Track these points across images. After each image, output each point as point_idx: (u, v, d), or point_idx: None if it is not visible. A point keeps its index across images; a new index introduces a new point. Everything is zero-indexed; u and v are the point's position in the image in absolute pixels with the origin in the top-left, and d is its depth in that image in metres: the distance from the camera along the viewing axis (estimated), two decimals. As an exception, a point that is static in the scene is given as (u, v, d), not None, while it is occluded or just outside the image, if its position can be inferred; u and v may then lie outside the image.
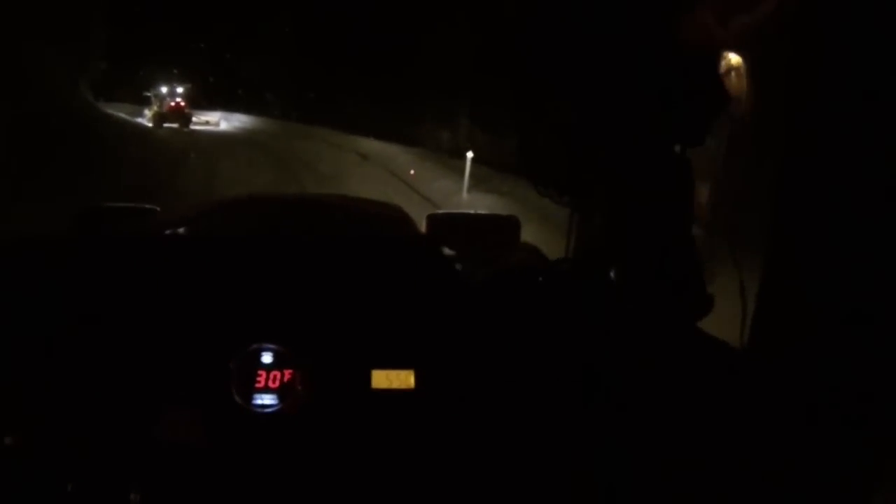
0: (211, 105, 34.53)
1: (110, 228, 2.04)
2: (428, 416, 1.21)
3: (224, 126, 31.58)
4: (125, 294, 1.31)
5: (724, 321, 1.46)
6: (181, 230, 1.93)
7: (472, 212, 2.15)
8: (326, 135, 23.67)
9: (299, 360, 1.21)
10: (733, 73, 2.47)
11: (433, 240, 1.95)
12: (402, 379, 1.20)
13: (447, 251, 1.92)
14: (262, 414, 1.20)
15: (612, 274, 1.46)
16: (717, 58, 1.42)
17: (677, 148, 1.44)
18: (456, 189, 12.45)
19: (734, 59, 2.44)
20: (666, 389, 1.23)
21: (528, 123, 1.57)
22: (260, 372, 1.20)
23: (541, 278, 1.47)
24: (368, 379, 1.21)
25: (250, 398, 1.20)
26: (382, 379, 1.21)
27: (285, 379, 1.21)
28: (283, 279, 1.36)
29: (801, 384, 1.19)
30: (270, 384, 1.21)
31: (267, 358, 1.21)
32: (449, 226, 2.06)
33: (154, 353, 1.21)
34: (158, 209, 2.19)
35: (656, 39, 1.42)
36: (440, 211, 2.11)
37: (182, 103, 29.35)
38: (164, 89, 30.78)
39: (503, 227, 2.06)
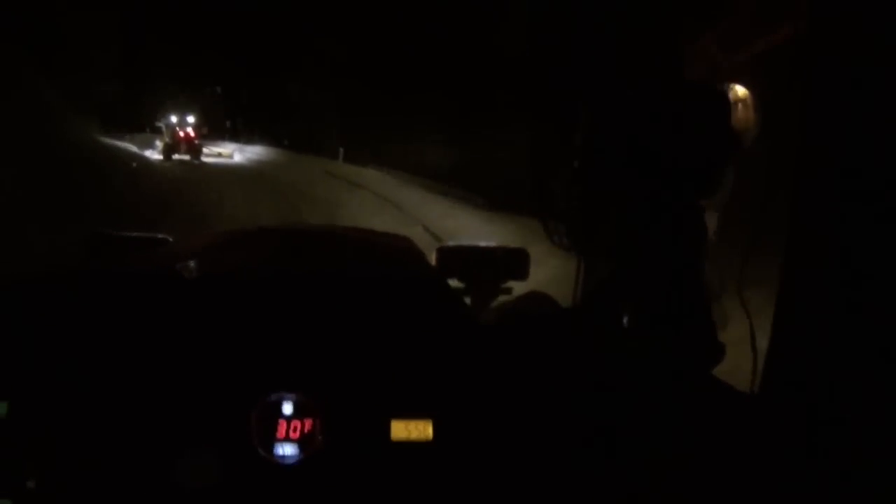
0: (225, 136, 33.12)
1: (121, 257, 1.97)
2: (446, 467, 1.17)
3: (238, 158, 29.77)
4: (142, 335, 1.28)
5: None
6: (192, 263, 1.93)
7: (482, 244, 2.13)
8: (349, 172, 21.90)
9: (320, 410, 1.18)
10: (740, 105, 2.48)
11: (443, 272, 1.90)
12: (421, 430, 1.17)
13: (456, 283, 1.87)
14: (282, 464, 1.16)
15: (624, 321, 1.44)
16: (728, 108, 1.44)
17: (689, 200, 1.44)
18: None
19: (741, 90, 2.45)
20: (680, 439, 1.21)
21: (543, 173, 1.59)
22: (280, 422, 1.17)
23: (554, 325, 1.43)
24: (388, 430, 1.17)
25: (271, 448, 1.16)
26: (402, 430, 1.17)
27: (306, 429, 1.17)
28: (300, 322, 1.33)
29: (812, 432, 1.15)
30: (291, 434, 1.17)
31: (287, 408, 1.17)
32: (458, 258, 2.00)
33: (172, 397, 1.18)
34: (171, 239, 2.12)
35: (667, 93, 1.44)
36: (450, 243, 2.07)
37: (192, 134, 27.33)
38: (173, 119, 28.79)
39: (513, 259, 1.99)
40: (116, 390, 1.16)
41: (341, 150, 24.39)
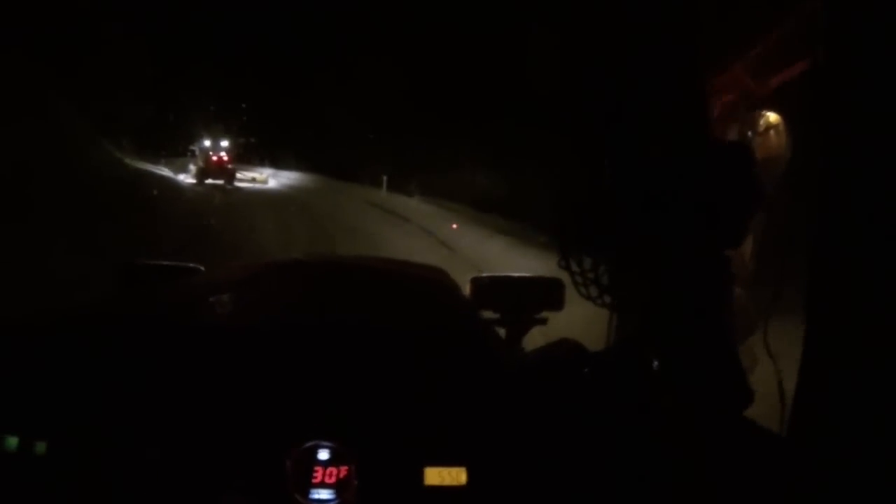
0: (260, 160, 32.21)
1: (153, 288, 2.02)
2: None
3: (273, 184, 28.79)
4: (180, 380, 1.32)
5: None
6: (227, 300, 1.94)
7: (516, 274, 2.14)
8: (394, 202, 20.64)
9: (355, 457, 1.19)
10: (772, 132, 2.50)
11: (478, 303, 1.93)
12: (455, 476, 1.18)
13: (490, 314, 1.88)
14: None
15: (654, 365, 1.46)
16: (751, 162, 1.49)
17: (716, 249, 1.46)
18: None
19: (772, 117, 2.47)
20: (712, 480, 1.22)
21: (569, 223, 1.64)
22: (316, 468, 1.19)
23: (586, 370, 1.45)
24: (422, 475, 1.19)
25: (307, 493, 1.18)
26: (435, 476, 1.19)
27: (341, 475, 1.19)
28: (334, 369, 1.36)
29: (841, 472, 1.15)
30: (327, 479, 1.19)
31: (323, 455, 1.19)
32: (493, 288, 2.02)
33: (211, 443, 1.21)
34: (203, 269, 2.17)
35: (692, 148, 1.48)
36: (484, 274, 2.09)
37: (225, 158, 26.92)
38: (206, 143, 28.33)
39: (548, 289, 2.00)
40: (154, 434, 1.19)
41: (385, 178, 23.31)
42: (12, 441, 1.19)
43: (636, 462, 1.20)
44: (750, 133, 2.30)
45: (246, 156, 30.16)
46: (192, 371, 1.32)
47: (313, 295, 1.89)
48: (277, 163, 32.44)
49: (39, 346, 1.42)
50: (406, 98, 23.28)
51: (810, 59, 2.00)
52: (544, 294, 1.98)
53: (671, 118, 1.49)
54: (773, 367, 1.50)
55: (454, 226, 13.95)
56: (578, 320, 2.02)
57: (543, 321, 1.95)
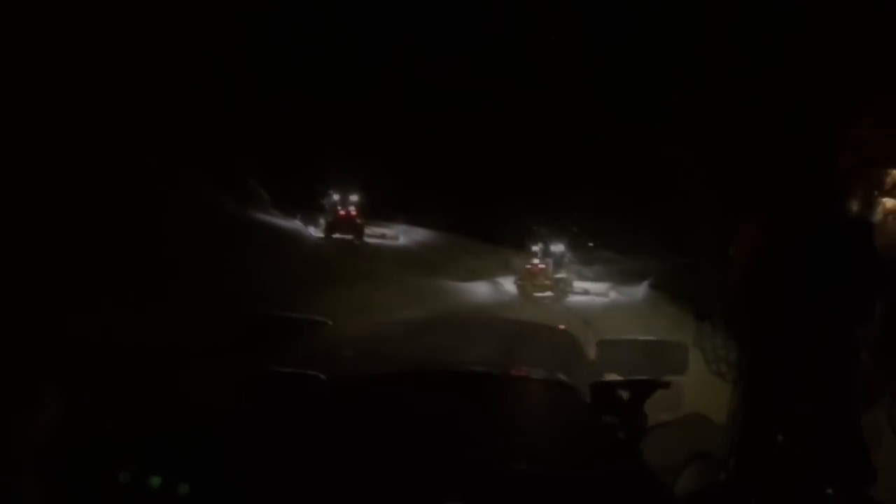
0: (392, 215, 29.96)
1: (279, 396, 2.06)
2: None
3: (403, 241, 27.27)
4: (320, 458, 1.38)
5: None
6: (350, 407, 1.98)
7: (641, 337, 2.16)
8: None
9: None
10: (891, 218, 2.35)
11: (603, 365, 1.98)
12: None
13: (610, 418, 1.88)
14: None
15: (779, 439, 1.47)
16: (872, 237, 1.46)
17: (848, 329, 1.44)
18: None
19: (889, 203, 2.33)
20: None
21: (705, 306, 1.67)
22: None
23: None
24: None
25: None
26: None
27: None
28: (466, 450, 1.43)
29: None
30: None
31: None
32: (619, 351, 2.04)
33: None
34: (324, 377, 2.20)
35: (819, 225, 1.50)
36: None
37: (353, 213, 25.61)
38: (335, 197, 26.94)
39: (672, 353, 2.00)
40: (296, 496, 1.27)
41: (539, 245, 21.99)
42: (156, 480, 1.29)
43: None
44: (876, 192, 2.21)
45: (378, 210, 28.14)
46: (334, 451, 1.39)
47: (435, 408, 1.90)
48: (412, 218, 30.15)
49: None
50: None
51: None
52: (669, 357, 1.98)
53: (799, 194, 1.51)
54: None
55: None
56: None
57: (667, 385, 1.93)
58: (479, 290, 23.48)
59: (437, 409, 1.87)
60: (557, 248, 27.06)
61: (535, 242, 26.80)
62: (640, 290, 25.83)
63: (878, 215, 2.33)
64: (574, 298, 23.78)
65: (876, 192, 2.21)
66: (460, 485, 1.29)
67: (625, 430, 1.87)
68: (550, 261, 24.78)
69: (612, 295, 25.25)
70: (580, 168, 22.75)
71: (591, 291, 25.37)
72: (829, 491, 1.34)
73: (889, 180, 2.13)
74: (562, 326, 2.58)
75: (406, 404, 1.93)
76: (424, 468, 1.37)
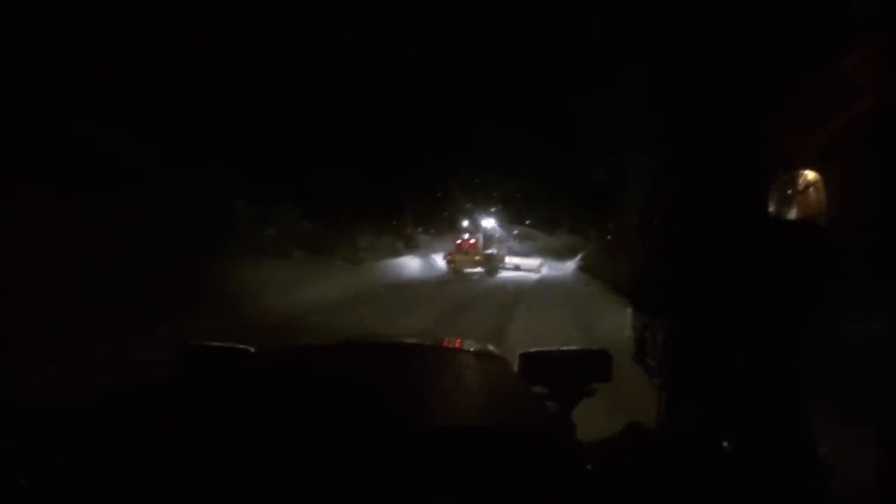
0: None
1: (207, 367, 2.09)
2: None
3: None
4: (246, 464, 1.33)
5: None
6: (275, 373, 2.00)
7: (563, 348, 2.13)
8: None
9: None
10: (811, 189, 2.63)
11: (526, 378, 1.96)
12: None
13: (539, 389, 1.92)
14: None
15: (724, 447, 1.50)
16: (814, 242, 1.55)
17: (782, 330, 1.50)
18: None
19: (811, 175, 2.60)
20: None
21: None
22: None
23: (651, 455, 1.49)
24: None
25: None
26: None
27: None
28: (406, 473, 1.37)
29: None
30: None
31: None
32: (541, 363, 2.05)
33: None
34: (253, 350, 2.23)
35: (754, 229, 1.56)
36: (531, 350, 2.10)
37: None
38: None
39: (596, 361, 2.03)
40: None
41: None
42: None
43: None
44: (790, 191, 2.44)
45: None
46: (252, 458, 1.34)
47: (360, 371, 1.96)
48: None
49: (102, 431, 1.44)
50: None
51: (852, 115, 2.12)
52: (592, 366, 2.01)
53: (732, 194, 1.57)
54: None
55: None
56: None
57: (592, 393, 1.98)
58: (411, 265, 23.66)
59: (363, 375, 1.93)
60: (488, 223, 27.39)
61: (466, 218, 27.22)
62: (570, 266, 26.25)
63: (799, 186, 2.53)
64: (505, 274, 24.70)
65: (790, 192, 2.44)
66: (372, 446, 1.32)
67: (555, 400, 1.94)
68: (481, 236, 25.29)
69: (544, 270, 26.55)
70: (510, 145, 22.98)
71: (522, 267, 26.54)
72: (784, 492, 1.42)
73: (801, 181, 2.37)
74: (491, 347, 2.61)
75: (334, 371, 1.97)
76: (344, 425, 1.40)
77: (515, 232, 30.99)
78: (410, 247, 24.04)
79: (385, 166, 20.30)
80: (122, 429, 1.40)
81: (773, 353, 1.44)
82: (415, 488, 1.27)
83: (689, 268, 1.56)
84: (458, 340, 2.90)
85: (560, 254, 31.88)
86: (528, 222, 32.50)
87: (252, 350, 2.20)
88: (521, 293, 17.27)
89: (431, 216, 26.92)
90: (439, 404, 1.82)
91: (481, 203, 28.32)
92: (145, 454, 1.32)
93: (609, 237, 22.35)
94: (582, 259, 24.53)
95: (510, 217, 30.63)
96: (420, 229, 26.04)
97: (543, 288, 20.07)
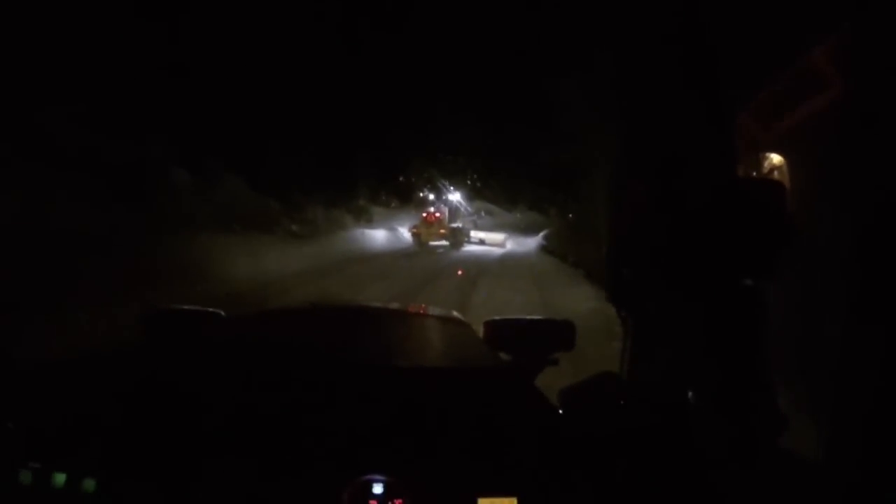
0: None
1: (177, 332, 2.08)
2: None
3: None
4: (225, 415, 1.34)
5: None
6: (242, 338, 1.99)
7: (527, 317, 2.13)
8: None
9: (410, 491, 1.22)
10: (776, 172, 2.73)
11: (491, 345, 1.98)
12: None
13: (503, 357, 1.94)
14: None
15: (689, 397, 1.53)
16: (783, 195, 1.53)
17: (748, 281, 1.52)
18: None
19: (776, 158, 2.70)
20: None
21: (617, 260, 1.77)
22: (371, 502, 1.22)
23: (622, 402, 1.53)
24: None
25: None
26: None
27: None
28: (383, 408, 1.39)
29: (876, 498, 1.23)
30: None
31: (378, 488, 1.22)
32: (506, 331, 2.06)
33: (266, 478, 1.24)
34: (222, 314, 2.23)
35: (725, 180, 1.53)
36: (496, 317, 2.12)
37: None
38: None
39: (560, 330, 2.05)
40: (210, 471, 1.23)
41: None
42: (60, 478, 1.22)
43: (677, 492, 1.29)
44: (754, 174, 2.54)
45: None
46: (237, 408, 1.35)
47: (327, 333, 1.98)
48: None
49: (82, 386, 1.45)
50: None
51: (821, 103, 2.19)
52: (556, 335, 2.02)
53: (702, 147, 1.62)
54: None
55: None
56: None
57: (555, 362, 1.99)
58: (377, 236, 23.43)
59: (331, 333, 1.96)
60: (454, 197, 27.29)
61: (431, 191, 27.13)
62: (534, 241, 26.51)
63: (764, 170, 2.62)
64: (470, 248, 24.65)
65: (754, 174, 2.54)
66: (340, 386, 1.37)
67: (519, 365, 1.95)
68: (446, 210, 25.22)
69: (509, 245, 26.63)
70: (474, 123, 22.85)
71: (487, 241, 26.58)
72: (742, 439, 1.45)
73: (767, 164, 2.47)
74: (456, 314, 2.65)
75: (302, 331, 2.00)
76: (315, 373, 1.44)
77: (471, 208, 30.82)
78: (364, 220, 23.71)
79: (339, 137, 20.03)
80: (108, 392, 1.41)
81: (736, 305, 1.46)
82: (389, 427, 1.31)
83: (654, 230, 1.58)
84: (423, 306, 2.99)
85: (520, 230, 32.01)
86: (486, 198, 32.31)
87: (222, 313, 2.23)
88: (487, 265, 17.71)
89: (388, 188, 26.61)
90: (407, 353, 1.89)
91: (439, 177, 28.13)
92: (132, 414, 1.32)
93: (570, 216, 22.59)
94: (545, 238, 24.64)
95: (470, 192, 30.48)
96: (376, 202, 25.76)
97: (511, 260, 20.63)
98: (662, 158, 1.61)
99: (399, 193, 27.61)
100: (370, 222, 24.42)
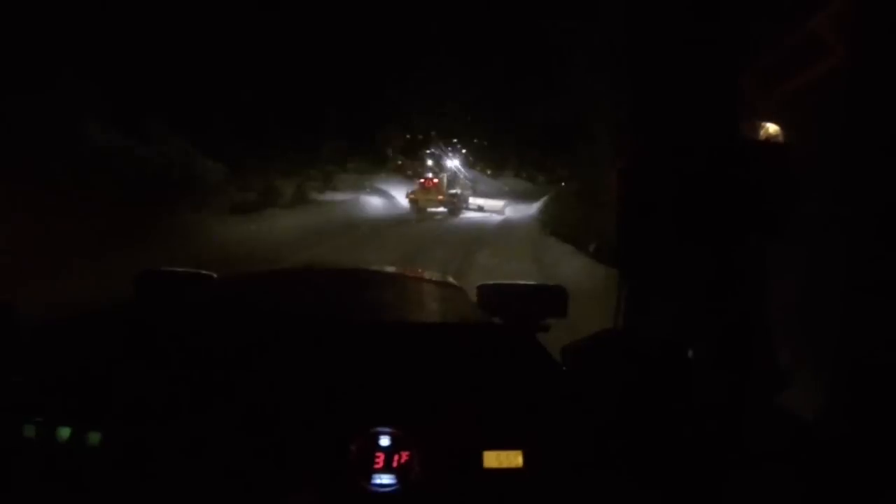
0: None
1: (170, 293, 2.08)
2: (535, 492, 1.27)
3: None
4: (233, 369, 1.35)
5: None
6: (239, 297, 1.99)
7: (520, 282, 2.15)
8: None
9: (417, 443, 1.24)
10: (772, 141, 2.72)
11: (484, 309, 2.00)
12: (512, 459, 1.25)
13: (497, 321, 1.96)
14: (381, 493, 1.23)
15: (689, 354, 1.54)
16: (787, 157, 1.59)
17: (753, 239, 1.55)
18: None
19: (772, 128, 2.69)
20: (745, 464, 1.33)
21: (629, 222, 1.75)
22: (378, 454, 1.23)
23: (623, 357, 1.54)
24: (481, 459, 1.25)
25: (370, 479, 1.23)
26: (493, 459, 1.25)
27: (403, 460, 1.24)
28: (390, 362, 1.40)
29: (878, 456, 1.26)
30: (389, 465, 1.24)
31: (385, 440, 1.24)
32: (499, 296, 2.07)
33: (272, 431, 1.25)
34: (215, 276, 2.23)
35: (731, 143, 1.57)
36: (489, 282, 2.11)
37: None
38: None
39: (552, 296, 2.06)
40: (217, 422, 1.25)
41: None
42: (64, 431, 1.23)
43: (679, 445, 1.31)
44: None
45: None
46: (239, 364, 1.36)
47: (321, 295, 1.98)
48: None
49: (85, 344, 1.45)
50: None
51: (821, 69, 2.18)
52: (549, 301, 2.03)
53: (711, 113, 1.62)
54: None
55: None
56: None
57: (546, 328, 2.00)
58: (373, 202, 23.28)
59: (326, 292, 1.99)
60: (453, 162, 27.11)
61: (429, 157, 26.95)
62: (532, 209, 26.69)
63: (760, 138, 2.63)
64: (469, 214, 24.64)
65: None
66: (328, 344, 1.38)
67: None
68: (444, 175, 25.21)
69: (508, 212, 26.59)
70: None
71: (485, 208, 26.56)
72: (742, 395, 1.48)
73: (763, 132, 2.44)
74: (451, 279, 2.65)
75: (295, 293, 2.02)
76: (306, 333, 1.45)
77: (470, 175, 30.60)
78: (329, 187, 23.27)
79: (301, 93, 19.10)
80: (109, 348, 1.41)
81: (743, 262, 1.50)
82: (395, 381, 1.33)
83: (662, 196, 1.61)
84: (420, 270, 3.01)
85: (522, 196, 32.02)
86: (470, 162, 32.15)
87: (214, 276, 2.23)
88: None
89: (360, 152, 26.22)
90: (401, 313, 1.90)
91: (419, 141, 27.94)
92: (135, 369, 1.33)
93: (563, 184, 22.59)
94: (541, 212, 24.44)
95: (453, 158, 30.27)
96: (346, 167, 25.40)
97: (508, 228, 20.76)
98: (669, 114, 1.64)
99: (366, 157, 27.38)
100: (336, 190, 24.03)
